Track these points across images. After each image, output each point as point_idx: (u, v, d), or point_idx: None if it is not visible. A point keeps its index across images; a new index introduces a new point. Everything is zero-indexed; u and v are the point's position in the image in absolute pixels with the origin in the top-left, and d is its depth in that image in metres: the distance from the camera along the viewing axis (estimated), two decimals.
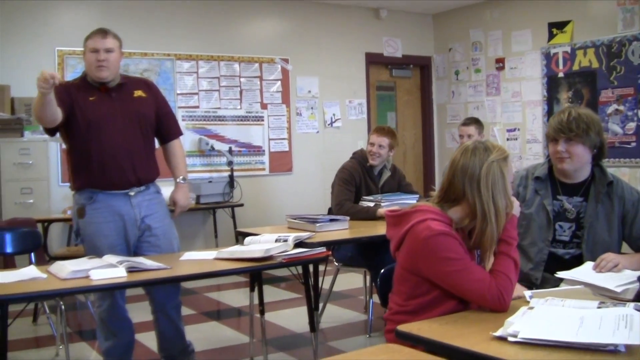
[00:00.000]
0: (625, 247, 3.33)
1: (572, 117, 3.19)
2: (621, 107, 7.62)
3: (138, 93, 4.11)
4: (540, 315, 2.22)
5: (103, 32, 4.00)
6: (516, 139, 8.81)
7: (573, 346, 1.96)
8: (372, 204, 5.11)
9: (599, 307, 2.27)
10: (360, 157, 5.44)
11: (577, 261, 3.17)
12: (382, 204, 5.04)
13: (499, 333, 2.10)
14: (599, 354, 1.93)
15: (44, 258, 5.87)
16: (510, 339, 2.05)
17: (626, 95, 7.56)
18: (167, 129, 4.26)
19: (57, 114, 3.75)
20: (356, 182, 5.30)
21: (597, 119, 3.26)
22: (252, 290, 4.70)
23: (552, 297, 2.44)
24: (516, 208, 2.70)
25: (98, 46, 3.94)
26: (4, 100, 6.76)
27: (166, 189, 4.31)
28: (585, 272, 2.84)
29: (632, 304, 2.28)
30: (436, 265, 2.49)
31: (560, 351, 1.95)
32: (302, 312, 4.11)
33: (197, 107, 8.17)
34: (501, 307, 2.43)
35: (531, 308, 2.31)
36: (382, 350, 2.08)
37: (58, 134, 4.02)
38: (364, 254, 5.16)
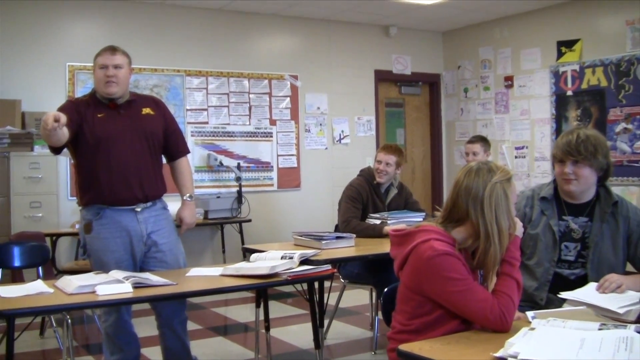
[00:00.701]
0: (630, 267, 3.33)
1: (581, 140, 3.19)
2: (630, 126, 7.62)
3: (146, 110, 4.15)
4: (541, 336, 2.22)
5: (112, 49, 4.06)
6: (524, 156, 8.81)
7: None
8: (378, 222, 5.12)
9: (600, 329, 2.28)
10: (367, 175, 5.46)
11: (582, 281, 3.16)
12: (389, 222, 5.05)
13: (499, 354, 2.10)
14: None
15: (52, 272, 5.90)
16: (511, 359, 2.05)
17: (635, 114, 7.56)
18: (175, 146, 4.30)
19: (64, 137, 3.77)
20: (363, 200, 5.31)
21: (604, 141, 3.27)
22: (257, 306, 4.71)
23: (553, 317, 2.44)
24: (519, 229, 2.72)
25: (107, 62, 3.99)
26: (15, 115, 6.81)
27: (173, 205, 4.34)
28: (588, 292, 2.84)
29: (633, 326, 2.28)
30: (439, 285, 2.50)
31: None
32: (308, 328, 4.12)
33: (206, 122, 8.21)
34: (503, 327, 2.44)
35: (532, 329, 2.32)
36: None
37: (66, 150, 4.05)
38: (370, 270, 5.17)
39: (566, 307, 2.84)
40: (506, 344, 2.15)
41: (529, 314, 2.59)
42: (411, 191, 5.77)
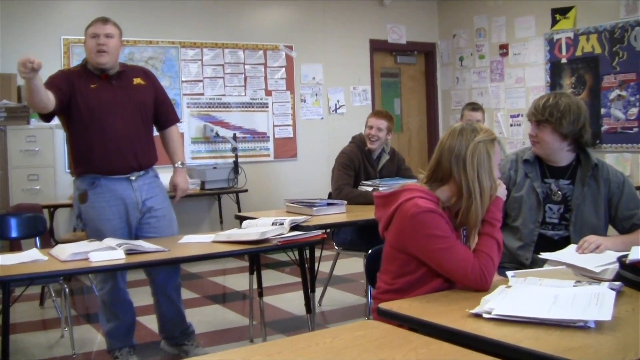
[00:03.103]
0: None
1: (549, 104, 3.25)
2: (623, 93, 7.65)
3: (137, 80, 4.20)
4: (517, 294, 2.29)
5: (104, 20, 4.11)
6: (520, 124, 8.85)
7: (545, 322, 2.03)
8: (370, 189, 5.16)
9: (574, 286, 2.34)
10: (359, 142, 5.49)
11: (565, 242, 3.22)
12: (380, 189, 5.06)
13: (475, 310, 2.17)
14: (569, 329, 1.99)
15: (50, 243, 5.97)
16: (486, 315, 2.12)
17: (629, 81, 7.59)
18: (165, 115, 4.36)
19: (49, 100, 3.80)
20: (355, 167, 5.35)
21: (578, 109, 3.25)
22: (251, 273, 4.79)
23: (531, 277, 2.51)
24: (501, 190, 2.77)
25: (98, 31, 4.03)
26: (11, 89, 6.85)
27: (163, 176, 4.40)
28: (568, 253, 2.91)
29: (606, 283, 2.35)
30: (422, 241, 2.56)
31: (532, 327, 2.02)
32: (302, 295, 4.20)
33: (202, 94, 8.25)
34: (482, 286, 2.50)
35: (509, 287, 2.39)
36: (361, 326, 2.15)
37: (57, 120, 4.10)
38: (363, 237, 5.23)
39: (547, 267, 2.91)
40: (482, 300, 2.22)
41: (509, 273, 2.65)
42: (404, 158, 5.79)
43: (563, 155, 3.36)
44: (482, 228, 2.67)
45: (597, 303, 2.11)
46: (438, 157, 2.71)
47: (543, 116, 3.25)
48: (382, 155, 5.54)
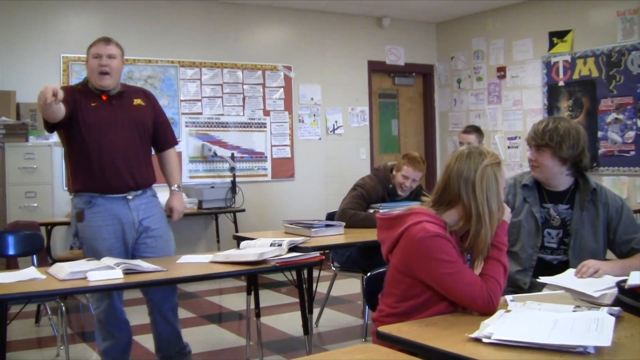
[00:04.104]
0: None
1: (548, 129, 3.26)
2: (620, 116, 7.69)
3: (137, 101, 4.22)
4: (516, 318, 2.29)
5: (106, 40, 4.13)
6: (517, 147, 8.88)
7: (544, 347, 2.03)
8: (371, 211, 5.05)
9: (573, 311, 2.34)
10: (383, 178, 5.28)
11: (564, 266, 3.21)
12: (381, 211, 4.86)
13: (474, 335, 2.16)
14: (569, 355, 1.99)
15: (47, 261, 5.95)
16: (485, 340, 2.12)
17: (625, 104, 7.63)
18: (164, 137, 4.37)
19: (60, 112, 3.84)
20: (372, 202, 5.17)
21: (577, 133, 3.27)
22: (248, 293, 4.78)
23: (530, 301, 2.51)
24: (507, 214, 2.78)
25: (101, 52, 4.05)
26: (10, 106, 6.86)
27: (161, 195, 4.41)
28: (567, 277, 2.90)
29: (606, 308, 2.35)
30: (430, 266, 2.55)
31: (532, 352, 2.02)
32: (299, 316, 4.19)
33: (200, 113, 8.27)
34: (489, 310, 2.48)
35: (509, 311, 2.39)
36: (360, 350, 2.15)
37: (56, 137, 4.10)
38: (362, 254, 5.17)
39: (546, 292, 2.91)
40: (481, 325, 2.21)
41: (508, 297, 2.65)
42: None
43: (562, 179, 3.37)
44: (489, 252, 2.67)
45: (596, 328, 2.11)
46: (445, 181, 2.71)
47: (543, 140, 3.26)
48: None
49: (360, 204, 5.14)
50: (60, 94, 3.58)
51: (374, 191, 5.20)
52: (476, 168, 2.64)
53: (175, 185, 4.40)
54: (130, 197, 4.10)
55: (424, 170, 5.33)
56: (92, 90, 4.10)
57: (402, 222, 2.68)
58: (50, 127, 4.05)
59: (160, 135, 4.34)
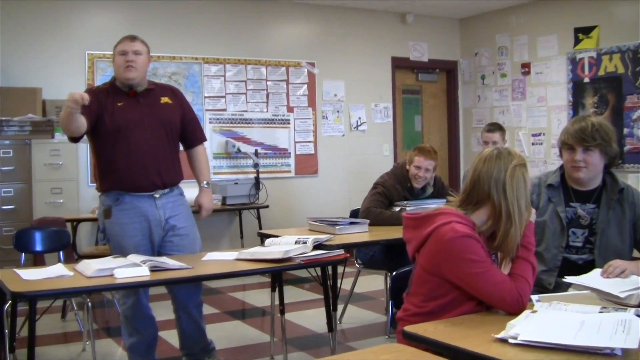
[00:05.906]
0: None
1: (595, 128, 3.24)
2: None
3: (165, 99, 4.24)
4: (542, 319, 2.29)
5: (132, 37, 4.17)
6: (541, 143, 8.82)
7: (571, 349, 2.03)
8: (397, 209, 5.06)
9: (600, 312, 2.34)
10: (400, 176, 5.28)
11: (590, 266, 3.20)
12: (408, 209, 4.90)
13: (500, 335, 2.17)
14: (596, 357, 1.99)
15: (73, 256, 6.02)
16: (511, 340, 2.12)
17: None
18: (192, 134, 4.39)
19: (83, 126, 3.88)
20: (392, 200, 5.18)
21: (613, 129, 3.32)
22: (273, 290, 4.80)
23: (556, 301, 2.51)
24: (533, 215, 2.80)
25: (126, 48, 4.09)
26: (36, 103, 6.92)
27: (190, 191, 4.43)
28: (593, 277, 2.89)
29: (633, 310, 2.34)
30: (459, 266, 2.56)
31: (558, 353, 2.02)
32: (323, 312, 4.19)
33: (224, 110, 8.30)
34: (519, 309, 2.49)
35: (535, 312, 2.39)
36: (386, 350, 2.17)
37: (85, 137, 4.14)
38: (386, 254, 5.19)
39: (571, 292, 2.90)
40: (507, 325, 2.22)
41: (534, 297, 2.65)
42: (441, 177, 5.64)
43: (598, 177, 3.37)
44: (517, 252, 2.69)
45: (623, 330, 2.10)
46: (474, 181, 2.72)
47: (595, 140, 3.23)
48: (427, 187, 5.36)
49: (382, 202, 5.15)
50: (86, 98, 3.60)
51: (394, 189, 5.21)
52: (506, 168, 2.67)
53: (205, 182, 4.42)
54: (157, 196, 4.14)
55: (436, 159, 5.27)
56: (120, 87, 4.14)
57: (430, 222, 2.69)
58: (74, 139, 4.10)
59: (189, 132, 4.37)
